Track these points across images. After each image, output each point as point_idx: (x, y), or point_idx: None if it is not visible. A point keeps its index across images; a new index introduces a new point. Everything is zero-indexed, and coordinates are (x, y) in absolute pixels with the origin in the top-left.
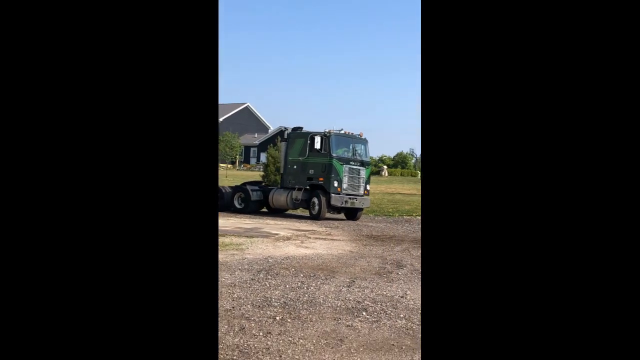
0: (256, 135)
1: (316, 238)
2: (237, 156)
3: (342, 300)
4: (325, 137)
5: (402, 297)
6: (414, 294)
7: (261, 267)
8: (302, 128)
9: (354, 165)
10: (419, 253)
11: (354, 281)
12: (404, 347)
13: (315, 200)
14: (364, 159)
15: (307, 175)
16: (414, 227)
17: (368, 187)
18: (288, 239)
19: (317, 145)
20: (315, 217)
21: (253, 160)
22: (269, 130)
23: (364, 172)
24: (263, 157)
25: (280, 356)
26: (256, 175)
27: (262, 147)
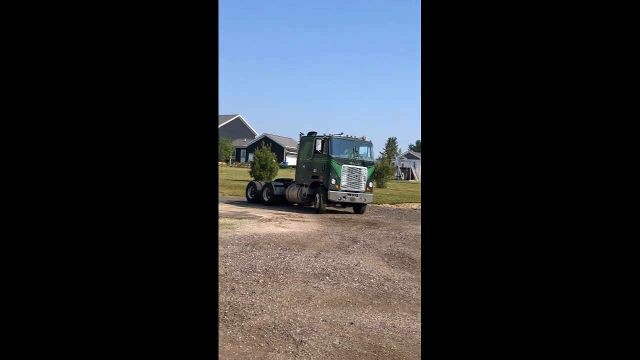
0: (245, 140)
1: (291, 220)
2: (230, 156)
3: (311, 268)
4: (326, 140)
5: (356, 265)
6: (365, 263)
7: (248, 242)
8: (315, 133)
9: (354, 165)
10: (370, 231)
11: (319, 253)
12: (357, 303)
13: (317, 195)
14: (367, 159)
15: (312, 174)
16: (373, 212)
17: (371, 185)
18: (269, 220)
19: (318, 147)
20: (317, 211)
21: (243, 159)
22: (256, 136)
23: (365, 172)
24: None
25: (262, 310)
26: (244, 171)
27: (250, 149)
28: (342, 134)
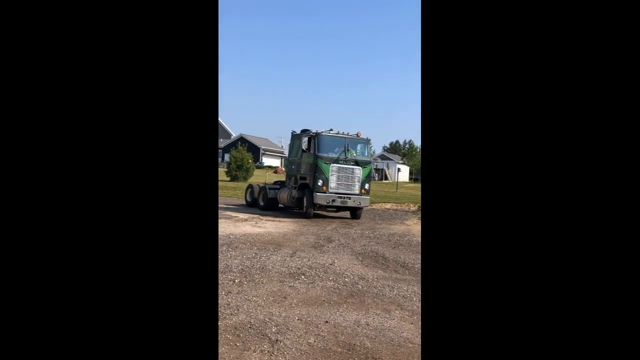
0: (221, 140)
1: (267, 220)
2: None
3: (286, 267)
4: (313, 137)
5: (331, 264)
6: (340, 262)
7: (224, 242)
8: (309, 131)
9: (345, 164)
10: (345, 231)
11: (295, 252)
12: (332, 302)
13: (304, 198)
14: (362, 158)
15: (300, 175)
16: (348, 212)
17: (367, 186)
18: (245, 220)
19: (305, 146)
20: (304, 215)
21: (219, 160)
22: (232, 137)
23: (359, 172)
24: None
25: (238, 310)
26: (220, 171)
27: (226, 149)
28: (331, 130)
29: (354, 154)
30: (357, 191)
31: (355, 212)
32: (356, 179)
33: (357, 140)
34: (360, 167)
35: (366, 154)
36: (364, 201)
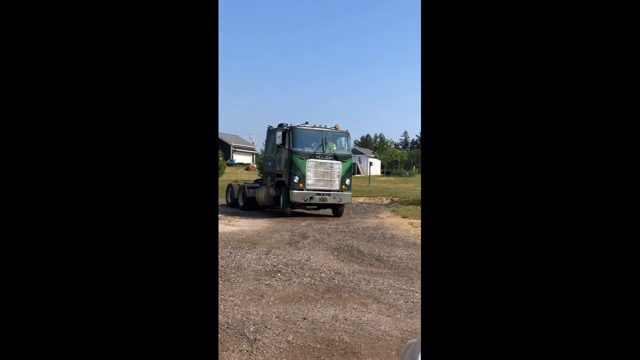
0: None
1: (241, 218)
2: None
3: (262, 265)
4: (287, 131)
5: (307, 260)
6: (316, 258)
7: None
8: (290, 125)
9: (322, 159)
10: (320, 226)
11: (270, 250)
12: (309, 298)
13: (281, 197)
14: (341, 152)
15: (276, 172)
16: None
17: (347, 182)
18: (219, 219)
19: (279, 141)
20: (281, 214)
21: None
22: None
23: (339, 167)
24: None
25: None
26: None
27: None
28: (306, 123)
29: (334, 148)
30: (337, 187)
31: (336, 210)
32: (335, 175)
33: (336, 133)
34: (339, 162)
35: (346, 148)
36: (345, 197)
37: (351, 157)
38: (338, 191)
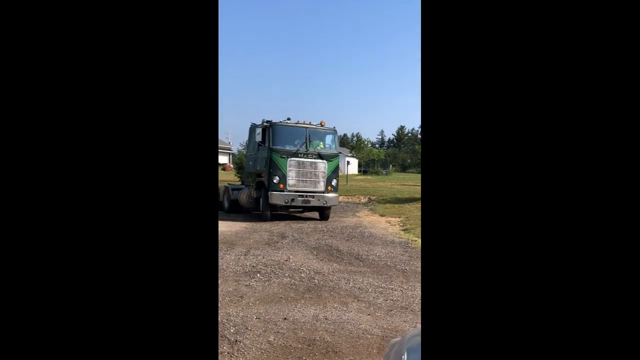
0: None
1: (219, 219)
2: None
3: (241, 266)
4: (266, 128)
5: (286, 260)
6: (295, 257)
7: None
8: (270, 122)
9: (305, 158)
10: (298, 226)
11: (249, 250)
12: (289, 299)
13: (261, 199)
14: (327, 151)
15: (256, 172)
16: None
17: (334, 183)
18: None
19: (259, 138)
20: (261, 217)
21: None
22: None
23: (324, 166)
24: None
25: None
26: None
27: None
28: (288, 119)
29: (321, 146)
30: (321, 188)
31: (322, 213)
32: (320, 175)
33: (322, 130)
34: (324, 161)
35: (334, 146)
36: (331, 200)
37: (338, 155)
38: (323, 192)
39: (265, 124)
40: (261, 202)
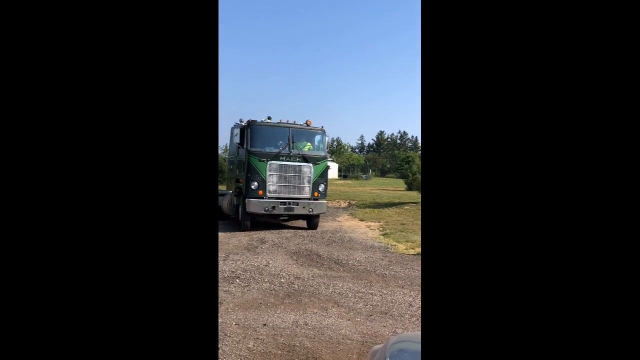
0: None
1: None
2: None
3: (220, 272)
4: (245, 128)
5: (266, 265)
6: (275, 262)
7: None
8: (255, 121)
9: (288, 161)
10: (278, 230)
11: (228, 255)
12: (269, 304)
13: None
14: (313, 153)
15: (236, 177)
16: None
17: (321, 188)
18: None
19: (237, 139)
20: (240, 227)
21: None
22: None
23: (309, 170)
24: None
25: None
26: None
27: None
28: (269, 118)
29: (309, 147)
30: (307, 195)
31: (310, 221)
32: (305, 179)
33: (307, 130)
34: (310, 164)
35: (322, 148)
36: (319, 207)
37: (326, 158)
38: (308, 199)
39: (243, 124)
40: (239, 211)
